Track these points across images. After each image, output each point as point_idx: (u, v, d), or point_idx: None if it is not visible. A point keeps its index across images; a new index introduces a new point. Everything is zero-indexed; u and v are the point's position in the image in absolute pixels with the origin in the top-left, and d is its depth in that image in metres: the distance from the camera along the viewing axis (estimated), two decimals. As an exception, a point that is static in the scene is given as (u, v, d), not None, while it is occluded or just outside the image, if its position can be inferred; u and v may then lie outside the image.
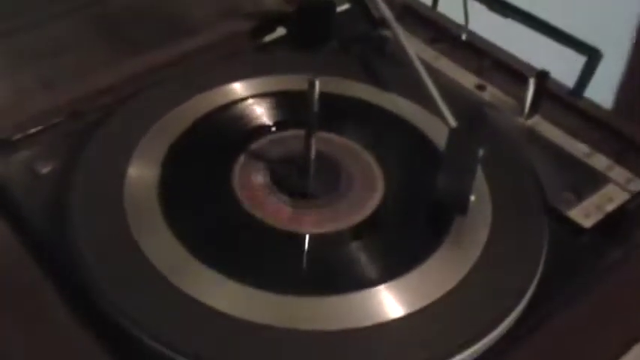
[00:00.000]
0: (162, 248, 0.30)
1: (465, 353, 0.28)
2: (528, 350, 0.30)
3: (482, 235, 0.32)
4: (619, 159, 0.37)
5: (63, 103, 0.38)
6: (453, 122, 0.34)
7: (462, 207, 0.32)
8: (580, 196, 0.35)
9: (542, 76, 0.39)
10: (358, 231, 0.32)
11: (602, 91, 0.43)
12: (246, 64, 0.41)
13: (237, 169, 0.35)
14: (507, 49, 0.44)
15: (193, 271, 0.30)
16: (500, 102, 0.40)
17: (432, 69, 0.40)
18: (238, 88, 0.39)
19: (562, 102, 0.41)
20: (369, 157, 0.36)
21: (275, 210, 0.33)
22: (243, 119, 0.38)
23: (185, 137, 0.36)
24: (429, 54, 0.43)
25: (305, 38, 0.44)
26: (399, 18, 0.42)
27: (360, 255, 0.32)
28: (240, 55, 0.43)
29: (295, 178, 0.34)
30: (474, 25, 0.45)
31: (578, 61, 0.40)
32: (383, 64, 0.42)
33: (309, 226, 0.33)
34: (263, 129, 0.37)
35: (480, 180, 0.34)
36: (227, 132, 0.37)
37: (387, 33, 0.42)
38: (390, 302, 0.29)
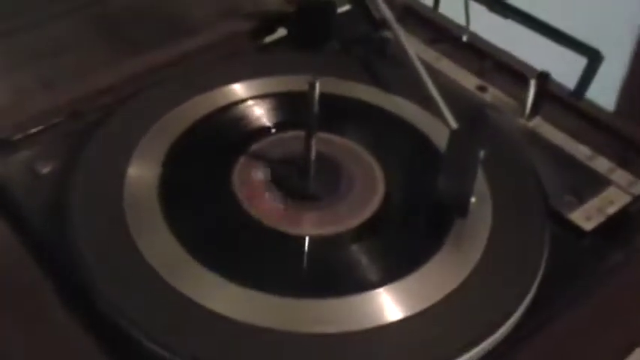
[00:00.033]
0: (162, 249, 0.30)
1: (466, 356, 0.28)
2: (529, 353, 0.30)
3: (482, 237, 0.32)
4: (621, 161, 0.37)
5: (63, 103, 0.38)
6: (453, 123, 0.34)
7: (463, 209, 0.32)
8: (581, 198, 0.35)
9: (544, 78, 0.38)
10: (359, 233, 0.32)
11: (605, 93, 0.43)
12: (246, 65, 0.41)
13: (237, 170, 0.35)
14: (508, 50, 0.44)
15: (192, 273, 0.30)
16: (501, 103, 0.40)
17: (432, 70, 0.40)
18: (238, 88, 0.39)
19: (563, 103, 0.41)
20: (369, 159, 0.36)
21: (275, 211, 0.33)
22: (243, 120, 0.38)
23: (185, 138, 0.36)
24: (430, 55, 0.43)
25: (305, 39, 0.44)
26: (400, 19, 0.42)
27: (361, 257, 0.32)
28: (240, 55, 0.43)
29: (295, 180, 0.34)
30: (475, 26, 0.45)
31: (580, 62, 0.40)
32: (384, 65, 0.42)
33: (310, 228, 0.33)
34: (263, 130, 0.37)
35: (480, 181, 0.34)
36: (227, 133, 0.37)
37: (387, 34, 0.42)
38: (390, 305, 0.29)
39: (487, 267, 0.31)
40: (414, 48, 0.39)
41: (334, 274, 0.31)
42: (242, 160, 0.35)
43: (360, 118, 0.39)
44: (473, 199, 0.32)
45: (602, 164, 0.37)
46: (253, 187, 0.34)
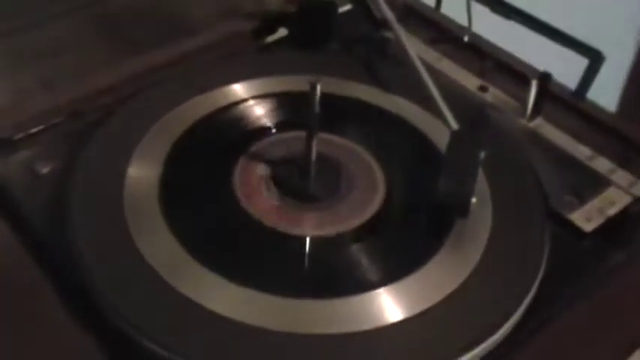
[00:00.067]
0: (162, 250, 0.30)
1: (466, 357, 0.28)
2: (529, 354, 0.30)
3: (482, 238, 0.32)
4: (621, 162, 0.37)
5: (63, 103, 0.38)
6: (454, 124, 0.34)
7: (463, 209, 0.32)
8: (582, 199, 0.35)
9: (545, 78, 0.38)
10: (359, 233, 0.32)
11: (606, 94, 0.43)
12: (246, 65, 0.41)
13: (237, 170, 0.35)
14: (510, 51, 0.44)
15: (192, 273, 0.30)
16: (503, 103, 0.40)
17: (433, 70, 0.40)
18: (239, 88, 0.39)
19: (565, 104, 0.41)
20: (370, 159, 0.36)
21: (275, 212, 0.33)
22: (243, 120, 0.38)
23: (185, 138, 0.36)
24: (431, 55, 0.43)
25: (306, 39, 0.44)
26: (401, 19, 0.42)
27: (361, 258, 0.32)
28: (240, 55, 0.43)
29: (296, 180, 0.34)
30: (477, 27, 0.45)
31: (582, 62, 0.40)
32: (385, 65, 0.41)
33: (310, 229, 0.33)
34: (263, 130, 0.37)
35: (481, 182, 0.34)
36: (227, 133, 0.37)
37: (388, 34, 0.42)
38: (390, 305, 0.29)
39: (487, 268, 0.31)
40: (415, 48, 0.39)
41: (334, 275, 0.31)
42: (242, 160, 0.35)
43: (360, 118, 0.39)
44: (473, 200, 0.32)
45: (602, 165, 0.37)
46: (254, 187, 0.34)
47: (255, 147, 0.36)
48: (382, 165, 0.36)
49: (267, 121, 0.38)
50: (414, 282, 0.30)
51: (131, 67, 0.40)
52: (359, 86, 0.40)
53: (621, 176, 0.36)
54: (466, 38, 0.44)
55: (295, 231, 0.32)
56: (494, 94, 0.41)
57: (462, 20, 0.45)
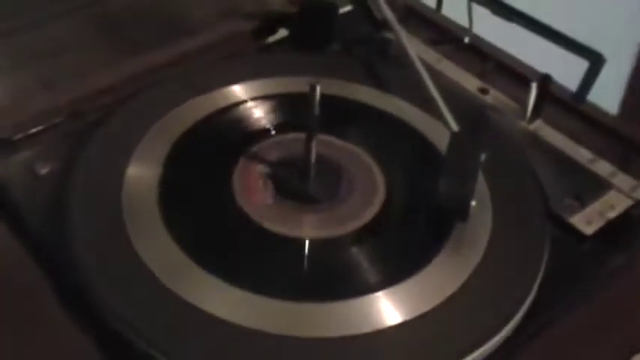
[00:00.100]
0: (160, 252, 0.30)
1: (465, 360, 0.28)
2: (528, 357, 0.29)
3: (482, 240, 0.32)
4: (622, 165, 0.37)
5: (63, 103, 0.38)
6: (454, 126, 0.34)
7: (463, 212, 0.32)
8: (582, 202, 0.34)
9: (545, 80, 0.38)
10: (359, 236, 0.32)
11: (609, 96, 0.43)
12: (247, 66, 0.41)
13: (237, 171, 0.34)
14: (512, 52, 0.44)
15: (191, 276, 0.29)
16: (503, 105, 0.40)
17: (434, 71, 0.40)
18: (239, 89, 0.39)
19: (565, 106, 0.41)
20: (370, 161, 0.36)
21: (274, 214, 0.33)
22: (243, 121, 0.38)
23: (185, 139, 0.36)
24: (432, 56, 0.42)
25: (307, 39, 0.44)
26: (402, 20, 0.42)
27: (360, 260, 0.32)
28: (241, 56, 0.43)
29: (296, 182, 0.34)
30: (478, 29, 0.45)
31: (584, 64, 0.39)
32: (385, 66, 0.41)
33: (309, 231, 0.32)
34: (263, 132, 0.37)
35: (481, 184, 0.34)
36: (227, 134, 0.37)
37: (389, 35, 0.42)
38: (389, 309, 0.29)
39: (487, 270, 0.31)
40: (415, 49, 0.39)
41: (334, 278, 0.31)
42: (242, 161, 0.35)
43: (360, 120, 0.39)
44: (473, 203, 0.32)
45: (603, 168, 0.36)
46: (253, 189, 0.34)
47: (255, 148, 0.36)
48: (382, 167, 0.36)
49: (267, 123, 0.38)
50: (413, 285, 0.30)
51: (131, 67, 0.40)
52: (359, 88, 0.40)
53: (622, 179, 0.36)
54: (467, 40, 0.44)
55: (295, 233, 0.32)
56: (494, 96, 0.40)
57: (463, 22, 0.45)
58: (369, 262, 0.31)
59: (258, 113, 0.38)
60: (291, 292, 0.29)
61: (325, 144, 0.35)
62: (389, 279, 0.30)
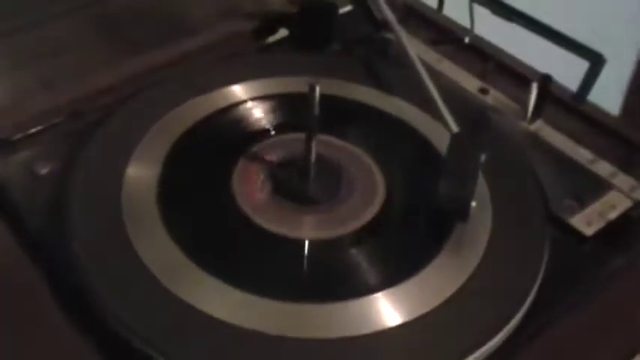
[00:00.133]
0: (160, 252, 0.30)
1: (464, 361, 0.28)
2: (528, 359, 0.29)
3: (482, 241, 0.32)
4: (623, 165, 0.37)
5: (63, 103, 0.38)
6: (454, 127, 0.34)
7: (463, 213, 0.32)
8: (582, 203, 0.34)
9: (546, 80, 0.38)
10: (358, 237, 0.32)
11: (611, 97, 0.43)
12: (247, 66, 0.41)
13: (236, 172, 0.34)
14: (513, 53, 0.44)
15: (190, 277, 0.29)
16: (503, 106, 0.40)
17: (434, 72, 0.40)
18: (239, 89, 0.39)
19: (566, 106, 0.40)
20: (370, 161, 0.36)
21: (274, 214, 0.33)
22: (243, 121, 0.38)
23: (185, 139, 0.36)
24: (432, 56, 0.42)
25: (307, 39, 0.44)
26: (402, 20, 0.42)
27: (360, 261, 0.31)
28: (240, 56, 0.43)
29: (295, 182, 0.34)
30: (478, 29, 0.44)
31: (585, 64, 0.39)
32: (385, 66, 0.41)
33: (309, 232, 0.32)
34: (263, 132, 0.37)
35: (481, 185, 0.34)
36: (227, 134, 0.37)
37: (389, 35, 0.42)
38: (388, 310, 0.29)
39: (486, 271, 0.31)
40: (415, 49, 0.39)
41: (333, 279, 0.31)
42: (242, 162, 0.35)
43: (360, 120, 0.39)
44: (473, 204, 0.32)
45: (604, 168, 0.36)
46: (253, 190, 0.34)
47: (254, 148, 0.36)
48: (382, 167, 0.35)
49: (267, 123, 0.38)
50: (413, 286, 0.30)
51: (131, 67, 0.40)
52: (359, 88, 0.40)
53: (622, 180, 0.36)
54: (467, 40, 0.44)
55: (294, 234, 0.32)
56: (494, 97, 0.40)
57: (463, 22, 0.45)
58: (368, 263, 0.31)
59: (258, 113, 0.38)
60: (291, 293, 0.29)
61: (325, 144, 0.35)
62: (389, 280, 0.30)
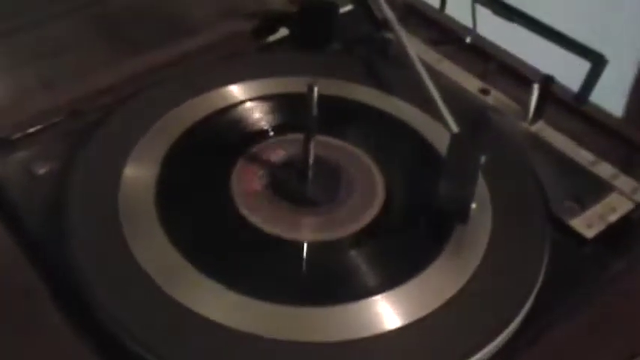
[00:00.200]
0: (156, 253, 0.30)
1: (464, 364, 0.28)
2: (528, 361, 0.29)
3: (482, 243, 0.32)
4: (624, 167, 0.36)
5: (63, 102, 0.38)
6: (454, 128, 0.34)
7: (463, 215, 0.32)
8: (583, 205, 0.34)
9: (547, 81, 0.38)
10: (357, 239, 0.32)
11: (614, 98, 0.43)
12: (246, 66, 0.41)
13: (235, 173, 0.34)
14: (515, 53, 0.43)
15: (188, 279, 0.29)
16: (504, 106, 0.40)
17: (434, 72, 0.40)
18: (239, 90, 0.39)
19: (567, 107, 0.40)
20: (369, 162, 0.36)
21: (273, 216, 0.32)
22: (242, 122, 0.38)
23: (184, 139, 0.36)
24: (432, 56, 0.42)
25: (307, 39, 0.44)
26: (402, 19, 0.42)
27: (359, 264, 0.31)
28: (241, 56, 0.42)
29: (294, 184, 0.34)
30: (479, 29, 0.44)
31: (587, 65, 0.39)
32: (386, 66, 0.41)
33: (308, 234, 0.32)
34: (262, 132, 0.37)
35: (481, 186, 0.33)
36: (226, 135, 0.37)
37: (390, 35, 0.42)
38: (388, 312, 0.29)
39: (486, 274, 0.31)
40: (416, 49, 0.39)
41: (332, 281, 0.31)
42: (240, 163, 0.35)
43: (360, 120, 0.38)
44: (473, 206, 0.32)
45: (605, 170, 0.36)
46: (251, 191, 0.34)
47: (254, 149, 0.36)
48: (382, 168, 0.35)
49: (266, 123, 0.38)
50: (413, 288, 0.30)
51: (131, 67, 0.40)
52: (359, 88, 0.39)
53: (624, 181, 0.35)
54: (468, 39, 0.44)
55: (293, 236, 0.32)
56: (495, 97, 0.40)
57: (465, 22, 0.45)
58: (367, 265, 0.31)
59: (258, 114, 0.38)
60: (290, 296, 0.29)
61: (325, 145, 0.35)
62: (388, 282, 0.30)
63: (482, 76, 0.41)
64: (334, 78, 0.39)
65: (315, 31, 0.43)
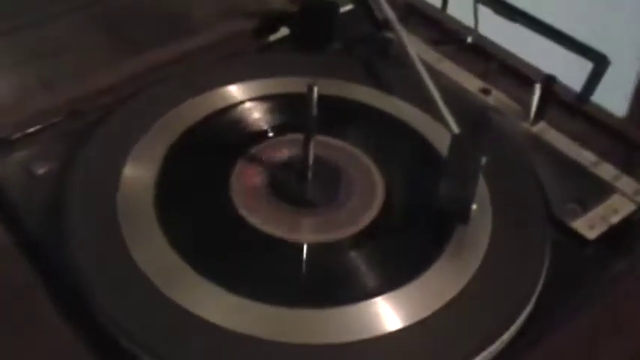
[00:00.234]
0: (155, 255, 0.30)
1: (465, 366, 0.28)
2: (529, 363, 0.29)
3: (483, 244, 0.32)
4: (627, 168, 0.36)
5: (63, 102, 0.38)
6: (455, 128, 0.33)
7: (464, 216, 0.32)
8: (585, 206, 0.34)
9: (549, 81, 0.38)
10: (357, 240, 0.32)
11: (617, 99, 0.42)
12: (247, 66, 0.41)
13: (234, 174, 0.34)
14: (517, 53, 0.43)
15: (186, 281, 0.29)
16: (505, 107, 0.39)
17: (434, 72, 0.40)
18: (239, 90, 0.39)
19: (569, 108, 0.40)
20: (369, 163, 0.36)
21: (272, 217, 0.32)
22: (242, 122, 0.38)
23: (183, 139, 0.36)
24: (432, 56, 0.42)
25: (308, 38, 0.43)
26: (403, 18, 0.42)
27: (359, 265, 0.31)
28: (241, 56, 0.42)
29: (294, 184, 0.34)
30: (480, 28, 0.44)
31: (589, 65, 0.39)
32: (386, 66, 0.41)
33: (307, 235, 0.32)
34: (262, 132, 0.37)
35: (481, 187, 0.33)
36: (226, 135, 0.37)
37: (390, 35, 0.42)
38: (388, 314, 0.29)
39: (487, 275, 0.31)
40: (416, 49, 0.39)
41: (332, 283, 0.30)
42: (240, 163, 0.35)
43: (360, 121, 0.38)
44: (474, 207, 0.32)
45: (607, 171, 0.36)
46: (251, 192, 0.34)
47: (253, 150, 0.36)
48: (382, 169, 0.35)
49: (266, 124, 0.38)
50: (413, 289, 0.30)
51: (131, 66, 0.40)
52: (359, 88, 0.39)
53: (626, 183, 0.35)
54: (469, 39, 0.44)
55: (292, 237, 0.32)
56: (496, 97, 0.40)
57: (466, 21, 0.45)
58: (367, 267, 0.31)
59: (258, 114, 0.38)
60: (289, 298, 0.29)
61: (324, 145, 0.35)
62: (388, 284, 0.30)
63: (483, 76, 0.41)
64: (334, 78, 0.39)
65: (316, 31, 0.43)
